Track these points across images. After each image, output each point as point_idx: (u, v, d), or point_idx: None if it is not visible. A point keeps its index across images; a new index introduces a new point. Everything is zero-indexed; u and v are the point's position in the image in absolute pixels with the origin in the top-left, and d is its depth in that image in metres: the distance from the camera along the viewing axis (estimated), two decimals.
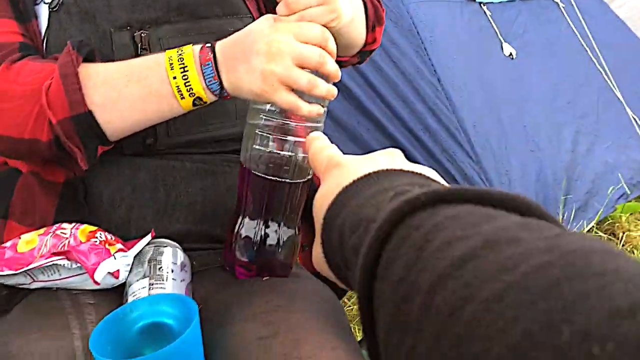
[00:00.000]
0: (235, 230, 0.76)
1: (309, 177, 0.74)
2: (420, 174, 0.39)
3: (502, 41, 2.39)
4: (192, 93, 0.70)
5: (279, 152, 0.71)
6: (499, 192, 0.31)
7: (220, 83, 0.69)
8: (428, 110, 2.15)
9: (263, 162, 0.71)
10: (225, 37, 0.72)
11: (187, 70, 0.69)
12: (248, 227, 0.75)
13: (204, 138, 0.84)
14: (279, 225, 0.75)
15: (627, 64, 2.78)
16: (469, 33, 2.35)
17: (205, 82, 0.69)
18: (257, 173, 0.72)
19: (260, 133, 0.71)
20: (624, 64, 2.75)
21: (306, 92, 0.68)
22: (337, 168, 0.44)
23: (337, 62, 0.91)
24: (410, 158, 2.09)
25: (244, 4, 0.88)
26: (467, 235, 0.26)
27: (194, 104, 0.72)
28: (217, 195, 0.83)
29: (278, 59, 0.65)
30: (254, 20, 0.78)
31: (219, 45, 0.71)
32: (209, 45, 0.71)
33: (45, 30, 0.80)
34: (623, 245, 2.24)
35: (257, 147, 0.71)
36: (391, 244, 0.30)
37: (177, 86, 0.69)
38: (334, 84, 0.71)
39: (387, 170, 0.40)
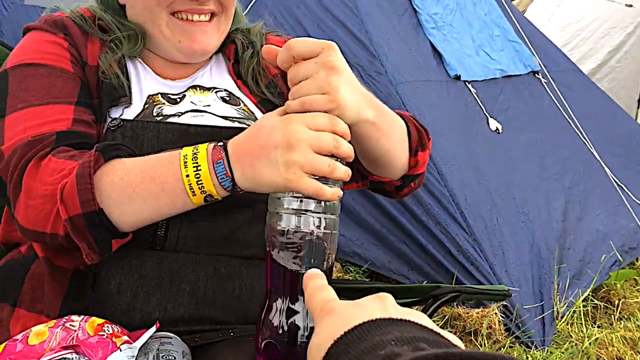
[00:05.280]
0: (264, 322, 0.71)
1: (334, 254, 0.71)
2: (410, 322, 0.42)
3: (488, 117, 2.48)
4: (203, 190, 0.74)
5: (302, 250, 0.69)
6: (482, 355, 0.34)
7: (233, 180, 0.73)
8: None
9: (290, 256, 0.69)
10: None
11: (200, 169, 0.73)
12: (276, 317, 0.70)
13: (212, 255, 0.89)
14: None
15: (609, 134, 2.87)
16: (456, 110, 2.45)
17: (218, 179, 0.73)
18: (286, 266, 0.69)
19: (286, 228, 0.69)
20: (607, 135, 2.85)
21: (328, 175, 0.70)
22: (330, 315, 0.47)
23: (380, 181, 0.95)
24: (405, 232, 2.12)
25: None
26: None
27: (205, 200, 0.76)
28: (219, 281, 0.88)
29: (298, 149, 0.69)
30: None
31: (231, 143, 0.74)
32: (220, 144, 0.74)
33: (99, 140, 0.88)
34: (620, 312, 2.26)
35: (285, 242, 0.69)
36: None
37: (190, 184, 0.74)
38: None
39: (376, 320, 0.42)
